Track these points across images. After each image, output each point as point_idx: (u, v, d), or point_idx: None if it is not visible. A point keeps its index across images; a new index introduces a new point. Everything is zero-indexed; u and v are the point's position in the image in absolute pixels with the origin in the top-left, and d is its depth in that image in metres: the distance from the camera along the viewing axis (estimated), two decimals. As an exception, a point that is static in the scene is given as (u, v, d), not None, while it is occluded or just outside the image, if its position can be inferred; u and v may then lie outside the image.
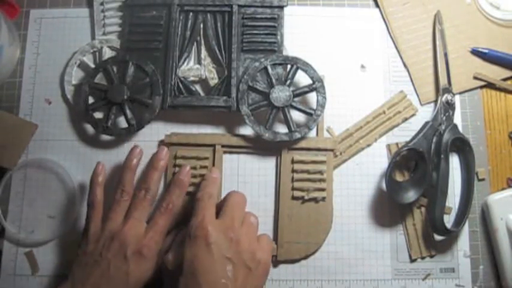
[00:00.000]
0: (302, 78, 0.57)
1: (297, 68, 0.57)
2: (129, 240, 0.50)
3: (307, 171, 0.56)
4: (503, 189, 0.57)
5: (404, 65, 0.60)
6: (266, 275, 0.50)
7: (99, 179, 0.54)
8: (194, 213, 0.50)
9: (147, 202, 0.53)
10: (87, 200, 0.53)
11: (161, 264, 0.50)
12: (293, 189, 0.56)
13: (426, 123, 0.56)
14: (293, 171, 0.56)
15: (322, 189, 0.55)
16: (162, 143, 0.57)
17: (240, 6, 0.58)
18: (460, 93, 0.59)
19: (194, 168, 0.56)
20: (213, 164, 0.56)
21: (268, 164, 0.57)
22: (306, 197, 0.55)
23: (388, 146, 0.58)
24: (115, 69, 0.58)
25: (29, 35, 0.60)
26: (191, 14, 0.59)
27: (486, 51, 0.59)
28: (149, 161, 0.56)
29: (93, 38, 0.60)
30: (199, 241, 0.47)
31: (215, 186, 0.53)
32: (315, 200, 0.55)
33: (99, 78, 0.58)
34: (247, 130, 0.57)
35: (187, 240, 0.48)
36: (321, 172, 0.56)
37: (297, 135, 0.55)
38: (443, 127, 0.56)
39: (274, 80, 0.56)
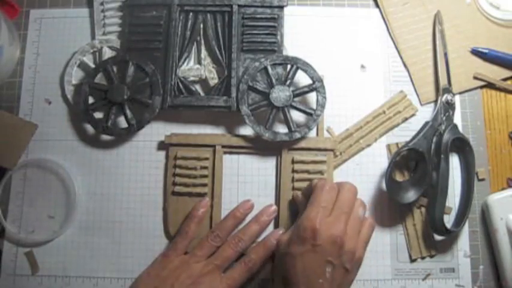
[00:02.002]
0: (302, 78, 0.57)
1: (297, 68, 0.57)
2: (201, 282, 0.50)
3: (308, 171, 0.56)
4: (503, 189, 0.57)
5: (404, 65, 0.60)
6: (359, 269, 0.50)
7: (200, 213, 0.54)
8: (305, 213, 0.49)
9: (236, 253, 0.53)
10: (180, 227, 0.54)
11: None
12: (293, 189, 0.56)
13: (426, 123, 0.56)
14: (293, 171, 0.56)
15: (322, 189, 0.55)
16: (162, 143, 0.57)
17: (240, 6, 0.58)
18: (460, 93, 0.59)
19: (194, 168, 0.56)
20: (213, 164, 0.56)
21: (268, 164, 0.57)
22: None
23: (388, 146, 0.58)
24: (115, 69, 0.58)
25: (29, 35, 0.60)
26: (191, 14, 0.59)
27: (486, 51, 0.59)
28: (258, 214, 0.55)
29: (93, 38, 0.60)
30: (306, 242, 0.47)
31: (328, 194, 0.51)
32: (315, 200, 0.55)
33: (99, 78, 0.58)
34: (247, 130, 0.57)
35: (295, 238, 0.48)
36: (321, 172, 0.56)
37: (297, 135, 0.55)
38: (443, 127, 0.56)
39: (274, 80, 0.56)
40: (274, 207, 0.55)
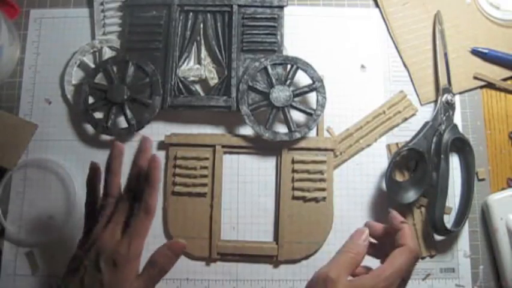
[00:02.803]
0: (302, 78, 0.57)
1: (297, 68, 0.57)
2: (104, 247, 0.45)
3: (308, 171, 0.56)
4: (503, 189, 0.57)
5: (404, 65, 0.60)
6: None
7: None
8: (385, 271, 0.42)
9: (129, 203, 0.48)
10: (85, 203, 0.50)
11: (322, 281, 0.43)
12: (293, 189, 0.56)
13: (426, 123, 0.56)
14: (293, 171, 0.56)
15: (323, 189, 0.55)
16: (162, 143, 0.57)
17: (240, 6, 0.58)
18: (460, 93, 0.59)
19: (194, 168, 0.56)
20: (213, 164, 0.56)
21: (268, 164, 0.57)
22: (308, 197, 0.55)
23: (388, 146, 0.58)
24: (115, 69, 0.58)
25: (29, 35, 0.60)
26: (191, 14, 0.59)
27: (486, 51, 0.59)
28: (133, 158, 0.50)
29: (93, 38, 0.60)
30: None
31: (414, 259, 0.44)
32: (316, 200, 0.55)
33: (99, 78, 0.58)
34: (247, 130, 0.57)
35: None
36: (321, 172, 0.56)
37: (297, 135, 0.55)
38: (443, 127, 0.56)
39: (274, 80, 0.56)
40: (149, 139, 0.49)
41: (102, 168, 0.54)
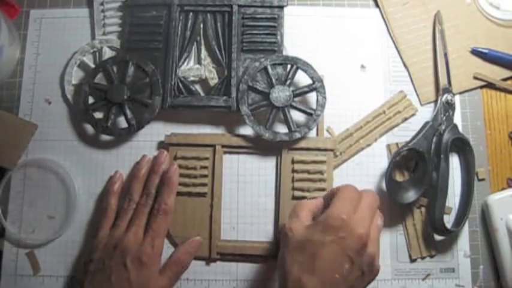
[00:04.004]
0: (302, 78, 0.57)
1: (297, 68, 0.57)
2: (129, 248, 0.50)
3: (308, 171, 0.56)
4: (503, 189, 0.57)
5: (404, 65, 0.60)
6: (373, 280, 0.48)
7: (115, 187, 0.55)
8: (332, 205, 0.48)
9: (149, 207, 0.53)
10: (101, 207, 0.55)
11: (280, 229, 0.50)
12: (293, 189, 0.56)
13: (426, 123, 0.56)
14: (293, 171, 0.56)
15: (323, 189, 0.55)
16: (162, 143, 0.57)
17: (240, 6, 0.58)
18: (460, 93, 0.59)
19: (194, 168, 0.56)
20: (213, 164, 0.56)
21: (268, 164, 0.57)
22: (308, 197, 0.55)
23: (388, 146, 0.58)
24: (115, 69, 0.58)
25: (29, 35, 0.60)
26: (191, 14, 0.59)
27: (486, 51, 0.59)
28: (150, 165, 0.56)
29: (93, 38, 0.60)
30: (332, 231, 0.46)
31: (354, 194, 0.50)
32: (315, 200, 0.55)
33: (99, 78, 0.58)
34: (247, 130, 0.57)
35: (319, 225, 0.47)
36: (321, 172, 0.56)
37: (297, 135, 0.55)
38: (443, 127, 0.56)
39: (274, 80, 0.56)
40: (166, 152, 0.56)
41: (102, 169, 0.55)
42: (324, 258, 0.45)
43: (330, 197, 0.51)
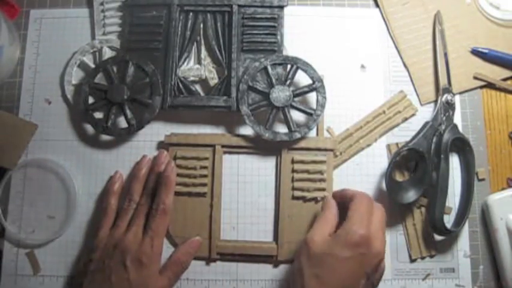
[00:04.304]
0: (302, 78, 0.57)
1: (297, 68, 0.57)
2: (129, 248, 0.50)
3: (307, 171, 0.56)
4: (503, 189, 0.57)
5: (404, 65, 0.60)
6: None
7: (115, 188, 0.55)
8: (354, 219, 0.48)
9: (148, 207, 0.53)
10: (101, 207, 0.55)
11: (304, 243, 0.49)
12: (293, 189, 0.56)
13: (426, 123, 0.56)
14: (293, 171, 0.56)
15: (322, 189, 0.55)
16: (162, 143, 0.57)
17: (240, 6, 0.58)
18: (460, 93, 0.59)
19: (194, 168, 0.56)
20: (213, 164, 0.56)
21: (268, 164, 0.57)
22: (308, 197, 0.55)
23: (388, 146, 0.58)
24: (115, 69, 0.58)
25: (29, 35, 0.60)
26: (191, 14, 0.59)
27: (486, 51, 0.59)
28: (151, 167, 0.56)
29: (93, 38, 0.60)
30: (355, 248, 0.46)
31: (367, 207, 0.49)
32: (315, 200, 0.55)
33: (99, 78, 0.58)
34: (247, 130, 0.57)
35: (339, 239, 0.47)
36: (321, 172, 0.56)
37: (297, 135, 0.55)
38: (443, 127, 0.56)
39: (274, 80, 0.56)
40: (166, 152, 0.56)
41: (102, 169, 0.55)
42: (343, 274, 0.45)
43: (340, 197, 0.52)
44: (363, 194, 0.51)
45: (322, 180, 0.56)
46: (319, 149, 0.56)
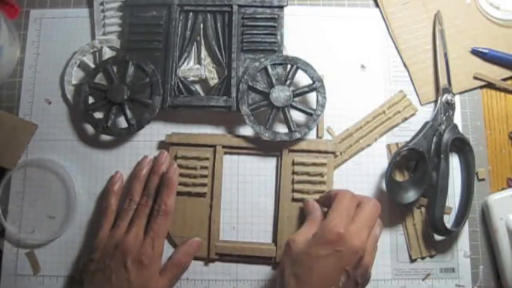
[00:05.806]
0: (302, 78, 0.57)
1: (297, 68, 0.57)
2: (129, 249, 0.50)
3: (308, 173, 0.56)
4: (503, 189, 0.57)
5: (404, 65, 0.60)
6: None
7: (115, 188, 0.55)
8: (330, 217, 0.48)
9: (149, 208, 0.53)
10: (101, 207, 0.55)
11: (286, 244, 0.49)
12: (293, 191, 0.55)
13: (426, 123, 0.56)
14: (293, 173, 0.56)
15: (322, 192, 0.55)
16: (162, 143, 0.57)
17: (240, 6, 0.58)
18: (460, 93, 0.59)
19: (194, 168, 0.56)
20: (214, 164, 0.56)
21: (268, 165, 0.57)
22: (307, 199, 0.55)
23: (388, 146, 0.58)
24: (115, 69, 0.58)
25: (29, 35, 0.60)
26: (191, 14, 0.59)
27: (486, 51, 0.59)
28: (152, 168, 0.56)
29: (93, 38, 0.60)
30: (329, 245, 0.46)
31: (350, 203, 0.50)
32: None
33: (99, 78, 0.58)
34: (247, 130, 0.57)
35: (316, 238, 0.47)
36: (321, 174, 0.56)
37: (297, 135, 0.55)
38: (443, 127, 0.56)
39: (274, 80, 0.56)
40: (166, 153, 0.56)
41: (102, 169, 0.55)
42: (320, 272, 0.45)
43: (325, 200, 0.52)
44: (345, 191, 0.51)
45: (322, 182, 0.56)
46: (320, 152, 0.56)
